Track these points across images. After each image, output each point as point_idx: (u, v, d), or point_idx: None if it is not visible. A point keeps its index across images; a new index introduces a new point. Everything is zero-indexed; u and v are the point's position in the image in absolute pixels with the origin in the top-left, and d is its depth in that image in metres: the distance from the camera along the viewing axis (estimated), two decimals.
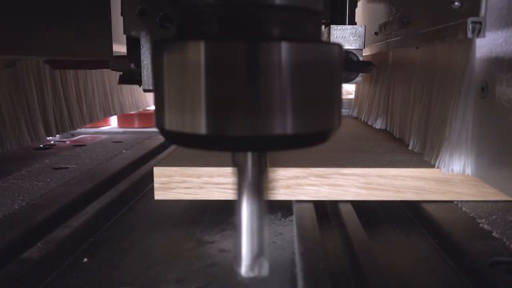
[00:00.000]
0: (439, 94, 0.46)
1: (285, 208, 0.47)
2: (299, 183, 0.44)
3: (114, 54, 0.46)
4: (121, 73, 0.46)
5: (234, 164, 0.23)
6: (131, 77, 0.44)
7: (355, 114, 0.88)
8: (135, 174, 0.58)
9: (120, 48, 0.47)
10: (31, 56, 0.54)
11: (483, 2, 0.37)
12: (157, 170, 0.44)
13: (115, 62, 0.44)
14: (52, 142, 0.80)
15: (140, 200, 0.52)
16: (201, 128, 0.20)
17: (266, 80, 0.20)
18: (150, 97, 1.15)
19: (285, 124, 0.20)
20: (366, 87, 0.82)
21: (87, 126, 0.87)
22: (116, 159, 0.64)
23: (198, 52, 0.20)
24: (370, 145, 0.57)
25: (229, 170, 0.43)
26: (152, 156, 0.69)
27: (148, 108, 1.14)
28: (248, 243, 0.24)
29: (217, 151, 0.22)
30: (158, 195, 0.44)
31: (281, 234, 0.41)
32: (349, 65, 0.59)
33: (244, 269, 0.24)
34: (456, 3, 0.41)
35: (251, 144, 0.21)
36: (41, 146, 0.75)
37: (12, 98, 0.55)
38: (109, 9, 0.45)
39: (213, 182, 0.44)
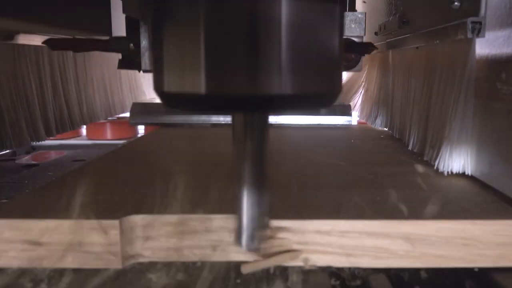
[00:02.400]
0: (439, 93, 0.45)
1: None
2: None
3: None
4: (120, 57, 0.45)
5: (234, 130, 0.23)
6: (131, 60, 0.42)
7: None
8: None
9: None
10: (30, 30, 0.53)
11: (483, 2, 0.37)
12: None
13: (114, 42, 0.42)
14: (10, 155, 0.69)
15: None
16: (201, 88, 0.20)
17: (266, 37, 0.19)
18: (150, 97, 1.15)
19: (285, 83, 0.20)
20: (366, 86, 0.82)
21: (52, 138, 0.70)
22: None
23: (197, 9, 0.19)
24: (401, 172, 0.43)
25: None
26: None
27: (121, 115, 0.97)
28: (249, 215, 0.23)
29: (217, 111, 0.22)
30: None
31: None
32: (350, 47, 0.58)
33: (244, 241, 0.24)
34: (456, 3, 0.41)
35: (250, 104, 0.21)
36: None
37: (12, 98, 0.54)
38: None
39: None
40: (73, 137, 0.86)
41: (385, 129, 0.69)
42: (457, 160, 0.41)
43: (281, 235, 0.29)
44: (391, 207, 0.32)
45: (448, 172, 0.41)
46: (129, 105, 0.99)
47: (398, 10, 0.59)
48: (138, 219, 0.30)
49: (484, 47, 0.38)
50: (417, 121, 0.51)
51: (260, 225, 0.24)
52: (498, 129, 0.37)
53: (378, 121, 0.71)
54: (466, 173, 0.41)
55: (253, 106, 0.21)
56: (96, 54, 0.81)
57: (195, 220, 0.29)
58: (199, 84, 0.20)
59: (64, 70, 0.68)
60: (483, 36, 0.38)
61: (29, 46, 0.58)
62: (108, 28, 0.44)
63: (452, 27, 0.41)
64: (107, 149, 0.67)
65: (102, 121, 0.86)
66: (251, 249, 0.24)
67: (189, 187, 0.35)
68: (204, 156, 0.50)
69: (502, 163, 0.36)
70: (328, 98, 0.22)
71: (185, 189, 0.34)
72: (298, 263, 0.29)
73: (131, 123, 0.79)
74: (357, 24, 0.59)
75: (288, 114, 0.71)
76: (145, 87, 1.11)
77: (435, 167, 0.43)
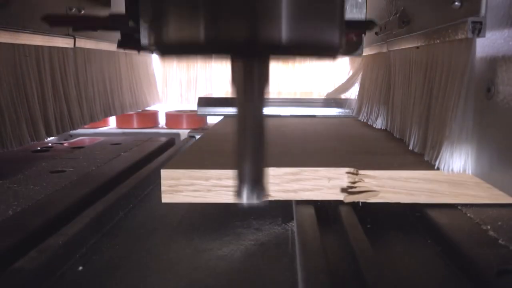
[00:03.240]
0: (439, 93, 0.45)
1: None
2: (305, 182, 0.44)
3: None
4: (119, 38, 0.45)
5: (233, 81, 0.23)
6: (130, 38, 0.42)
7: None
8: (133, 177, 0.56)
9: None
10: None
11: (483, 2, 0.37)
12: (164, 173, 0.43)
13: (113, 19, 0.42)
14: (50, 144, 0.79)
15: (137, 206, 0.51)
16: (200, 35, 0.20)
17: None
18: (150, 97, 1.15)
19: (284, 30, 0.20)
20: (366, 86, 0.82)
21: (86, 127, 0.84)
22: (114, 162, 0.63)
23: None
24: (379, 146, 0.57)
25: None
26: (151, 159, 0.68)
27: (147, 108, 1.13)
28: (248, 169, 0.23)
29: (216, 56, 0.22)
30: (166, 198, 0.43)
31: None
32: (350, 24, 0.58)
33: (245, 195, 0.24)
34: (456, 3, 0.40)
35: (249, 49, 0.21)
36: (39, 148, 0.74)
37: (12, 97, 0.54)
38: None
39: (221, 185, 0.43)
40: (104, 127, 1.03)
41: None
42: (458, 160, 0.41)
43: (366, 180, 0.43)
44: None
45: (449, 172, 0.41)
46: (129, 105, 1.00)
47: (398, 10, 0.59)
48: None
49: (486, 46, 0.38)
50: (417, 121, 0.51)
51: (259, 180, 0.24)
52: (499, 129, 0.36)
53: (379, 121, 0.71)
54: (467, 172, 0.41)
55: (252, 52, 0.21)
56: (96, 54, 0.81)
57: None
58: (198, 31, 0.20)
59: (64, 69, 0.68)
60: (484, 36, 0.38)
61: (30, 45, 0.58)
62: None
63: (453, 27, 0.41)
64: (135, 135, 0.91)
65: (130, 113, 1.01)
66: (250, 202, 0.24)
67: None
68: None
69: (502, 163, 0.36)
70: (327, 49, 0.22)
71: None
72: (377, 199, 0.43)
73: (199, 115, 0.93)
74: (358, 9, 0.59)
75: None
76: (145, 87, 1.11)
77: (435, 167, 0.43)
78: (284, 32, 0.20)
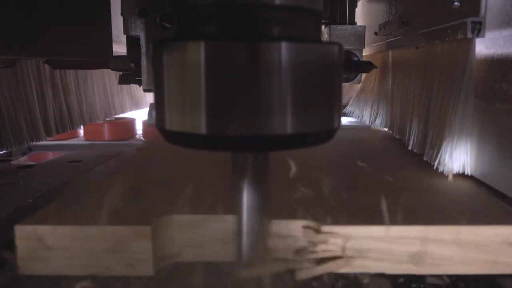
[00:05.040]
0: (439, 93, 0.45)
1: None
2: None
3: (115, 53, 0.46)
4: (121, 73, 0.46)
5: (234, 165, 0.23)
6: (131, 77, 0.43)
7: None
8: None
9: (120, 48, 0.47)
10: (31, 56, 0.53)
11: (483, 2, 0.37)
12: (20, 230, 0.29)
13: (115, 62, 0.43)
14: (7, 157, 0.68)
15: None
16: (201, 128, 0.20)
17: (266, 80, 0.19)
18: (150, 96, 1.14)
19: (285, 123, 0.20)
20: (366, 87, 0.82)
21: (49, 139, 0.69)
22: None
23: (198, 51, 0.20)
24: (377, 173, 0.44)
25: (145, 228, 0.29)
26: None
27: (119, 116, 0.96)
28: (249, 244, 0.24)
29: (217, 151, 0.22)
30: (24, 269, 0.29)
31: None
32: (349, 65, 0.59)
33: (244, 269, 0.24)
34: (456, 3, 0.41)
35: (251, 144, 0.21)
36: None
37: (12, 98, 0.54)
38: (109, 9, 0.45)
39: (107, 250, 0.29)
40: (71, 138, 0.86)
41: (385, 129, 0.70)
42: (457, 160, 0.41)
43: (332, 240, 0.29)
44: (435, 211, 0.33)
45: (448, 172, 0.41)
46: (129, 105, 0.99)
47: (398, 10, 0.59)
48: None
49: (488, 46, 0.39)
50: (417, 121, 0.51)
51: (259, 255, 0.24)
52: (499, 129, 0.37)
53: (378, 121, 0.71)
54: (466, 173, 0.41)
55: (254, 147, 0.21)
56: None
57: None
58: (199, 125, 0.20)
59: (64, 70, 0.68)
60: (483, 36, 0.38)
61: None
62: (108, 50, 0.44)
63: (452, 27, 0.41)
64: (104, 149, 0.69)
65: (99, 122, 0.85)
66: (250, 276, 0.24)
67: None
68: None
69: (502, 163, 0.36)
70: (328, 135, 0.22)
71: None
72: (352, 270, 0.29)
73: (149, 125, 0.78)
74: (356, 37, 0.60)
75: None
76: None
77: (434, 167, 0.43)
78: (288, 126, 0.20)
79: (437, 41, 0.45)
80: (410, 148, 0.53)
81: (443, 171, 0.42)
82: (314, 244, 0.29)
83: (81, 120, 0.75)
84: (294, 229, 0.30)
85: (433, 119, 0.46)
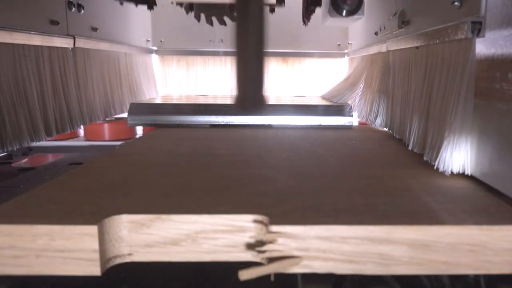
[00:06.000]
0: (439, 93, 0.45)
1: None
2: None
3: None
4: None
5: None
6: None
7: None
8: None
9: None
10: None
11: (483, 2, 0.37)
12: None
13: None
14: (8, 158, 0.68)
15: None
16: None
17: None
18: (150, 95, 1.15)
19: None
20: (366, 86, 0.82)
21: (50, 139, 0.68)
22: None
23: None
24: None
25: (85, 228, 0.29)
26: None
27: (120, 115, 0.95)
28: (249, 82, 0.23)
29: None
30: None
31: None
32: None
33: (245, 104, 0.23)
34: (456, 3, 0.41)
35: None
36: None
37: (12, 98, 0.54)
38: None
39: (55, 249, 0.29)
40: (71, 138, 0.85)
41: (385, 129, 0.69)
42: (457, 160, 0.41)
43: (281, 240, 0.29)
44: (394, 212, 0.32)
45: (448, 172, 0.41)
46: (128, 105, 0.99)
47: (398, 10, 0.59)
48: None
49: (488, 46, 0.38)
50: (417, 121, 0.51)
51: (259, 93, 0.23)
52: (499, 129, 0.37)
53: (378, 120, 0.71)
54: (466, 173, 0.41)
55: None
56: (96, 54, 0.81)
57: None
58: None
59: (64, 70, 0.68)
60: (483, 36, 0.38)
61: (29, 46, 0.58)
62: None
63: (452, 27, 0.41)
64: (105, 150, 0.68)
65: (99, 122, 0.84)
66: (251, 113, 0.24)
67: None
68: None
69: (502, 163, 0.36)
70: None
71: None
72: (298, 270, 0.29)
73: (129, 124, 0.78)
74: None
75: None
76: (144, 87, 1.11)
77: (435, 167, 0.43)
78: None
79: (437, 41, 0.45)
80: (410, 148, 0.53)
81: (444, 171, 0.42)
82: (263, 243, 0.29)
83: (81, 120, 0.75)
84: (244, 226, 0.30)
85: (433, 119, 0.46)
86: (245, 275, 0.28)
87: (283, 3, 0.91)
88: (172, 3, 0.95)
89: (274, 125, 0.76)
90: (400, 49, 0.60)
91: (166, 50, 1.21)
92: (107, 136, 0.85)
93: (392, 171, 0.45)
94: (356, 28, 0.98)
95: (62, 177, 0.42)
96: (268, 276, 0.28)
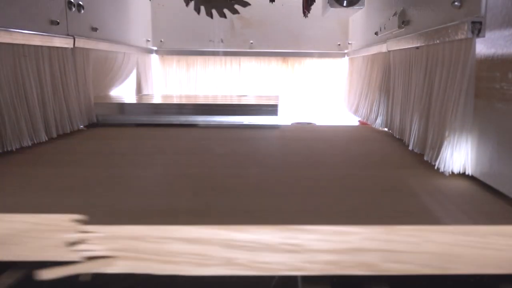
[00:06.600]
0: (439, 93, 0.45)
1: None
2: None
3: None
4: None
5: None
6: None
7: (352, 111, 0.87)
8: None
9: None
10: None
11: (483, 2, 0.37)
12: None
13: None
14: None
15: None
16: None
17: None
18: (148, 93, 1.14)
19: None
20: (366, 85, 0.82)
21: None
22: None
23: None
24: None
25: None
26: None
27: None
28: None
29: None
30: None
31: None
32: None
33: None
34: (456, 3, 0.40)
35: None
36: None
37: (12, 98, 0.54)
38: None
39: None
40: None
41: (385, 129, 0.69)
42: (458, 160, 0.41)
43: (93, 240, 0.29)
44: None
45: (449, 172, 0.41)
46: None
47: (398, 10, 0.59)
48: None
49: (488, 46, 0.38)
50: (417, 121, 0.51)
51: None
52: (499, 129, 0.36)
53: (379, 121, 0.71)
54: (466, 173, 0.41)
55: None
56: (96, 54, 0.81)
57: None
58: None
59: (64, 70, 0.68)
60: (483, 36, 0.38)
61: (29, 46, 0.58)
62: None
63: (452, 27, 0.41)
64: None
65: None
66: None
67: None
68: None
69: (502, 163, 0.36)
70: None
71: None
72: (109, 270, 0.29)
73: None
74: None
75: None
76: (144, 86, 1.11)
77: (435, 167, 0.43)
78: None
79: (437, 41, 0.45)
80: (410, 148, 0.53)
81: (444, 171, 0.42)
82: (78, 242, 0.29)
83: (81, 120, 0.75)
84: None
85: (433, 119, 0.46)
86: (47, 274, 0.28)
87: None
88: None
89: (199, 124, 0.77)
90: (400, 49, 0.60)
91: (166, 50, 1.21)
92: None
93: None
94: (357, 28, 0.98)
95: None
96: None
